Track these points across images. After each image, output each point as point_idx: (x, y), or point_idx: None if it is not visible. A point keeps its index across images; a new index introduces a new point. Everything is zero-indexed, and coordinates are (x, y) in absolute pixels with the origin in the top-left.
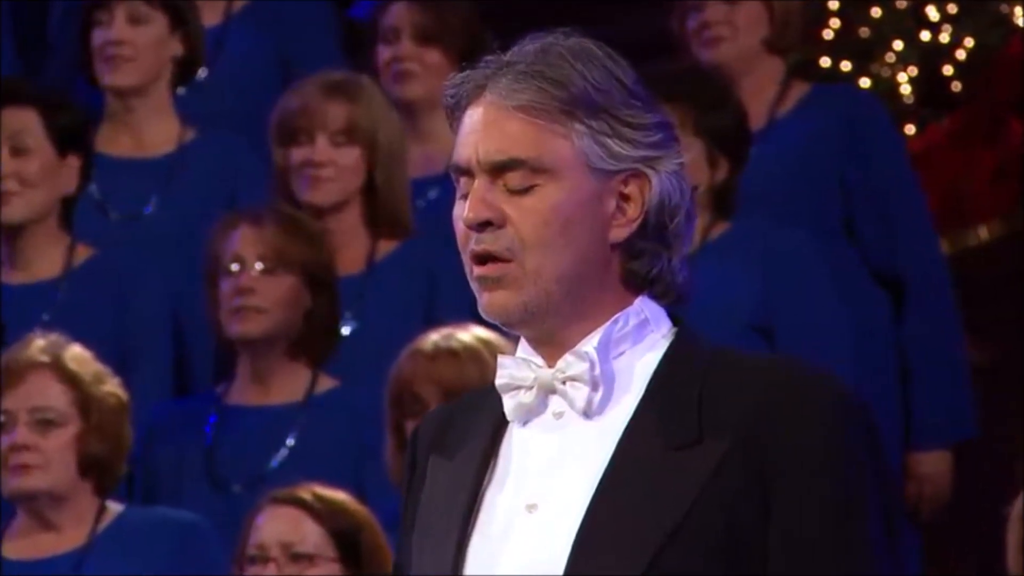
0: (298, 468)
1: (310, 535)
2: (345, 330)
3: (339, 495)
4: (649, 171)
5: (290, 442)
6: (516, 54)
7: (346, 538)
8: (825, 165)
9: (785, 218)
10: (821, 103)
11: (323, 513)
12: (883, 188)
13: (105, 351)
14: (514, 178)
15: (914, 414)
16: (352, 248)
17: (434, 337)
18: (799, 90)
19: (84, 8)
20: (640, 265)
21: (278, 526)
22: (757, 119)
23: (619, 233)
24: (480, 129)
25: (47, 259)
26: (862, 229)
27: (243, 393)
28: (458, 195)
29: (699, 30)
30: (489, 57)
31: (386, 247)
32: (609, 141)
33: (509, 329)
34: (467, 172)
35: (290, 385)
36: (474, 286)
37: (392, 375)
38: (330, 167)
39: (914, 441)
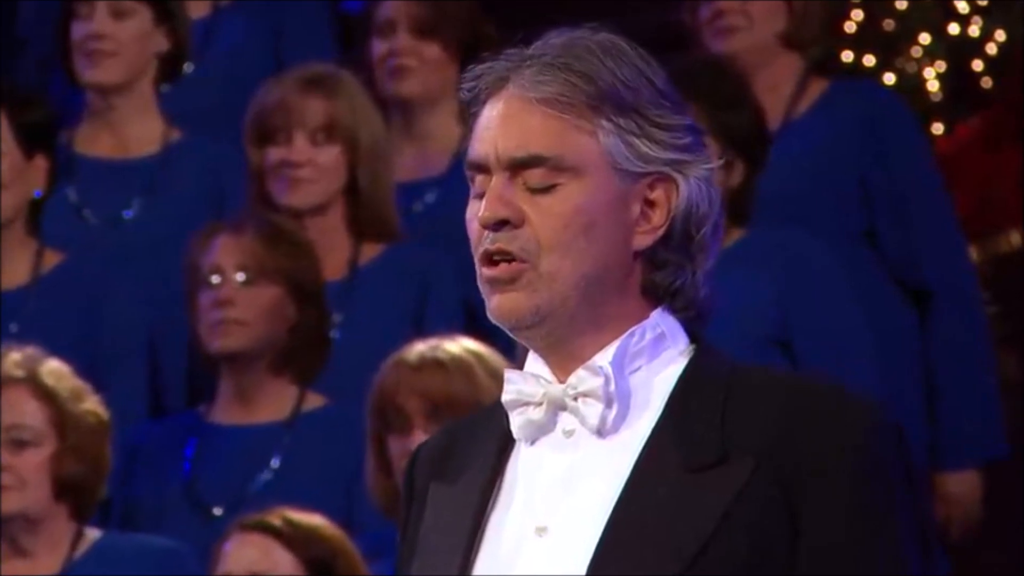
0: (283, 491)
1: (281, 563)
2: None
3: (312, 519)
4: (677, 176)
5: (275, 463)
6: (541, 47)
7: (320, 566)
8: (845, 167)
9: (802, 224)
10: (840, 101)
11: (294, 539)
12: (907, 192)
13: (75, 365)
14: (534, 176)
15: (941, 432)
16: (334, 253)
17: (420, 347)
18: (817, 87)
19: (63, 0)
20: (663, 276)
21: (247, 554)
22: (772, 118)
23: (643, 240)
24: (500, 123)
25: (15, 266)
26: (885, 236)
27: (225, 411)
28: (473, 194)
29: (712, 19)
30: (511, 50)
31: (370, 252)
32: (637, 141)
33: (516, 335)
34: (484, 169)
35: (275, 403)
36: (484, 290)
37: (374, 387)
38: (309, 167)
39: (941, 460)
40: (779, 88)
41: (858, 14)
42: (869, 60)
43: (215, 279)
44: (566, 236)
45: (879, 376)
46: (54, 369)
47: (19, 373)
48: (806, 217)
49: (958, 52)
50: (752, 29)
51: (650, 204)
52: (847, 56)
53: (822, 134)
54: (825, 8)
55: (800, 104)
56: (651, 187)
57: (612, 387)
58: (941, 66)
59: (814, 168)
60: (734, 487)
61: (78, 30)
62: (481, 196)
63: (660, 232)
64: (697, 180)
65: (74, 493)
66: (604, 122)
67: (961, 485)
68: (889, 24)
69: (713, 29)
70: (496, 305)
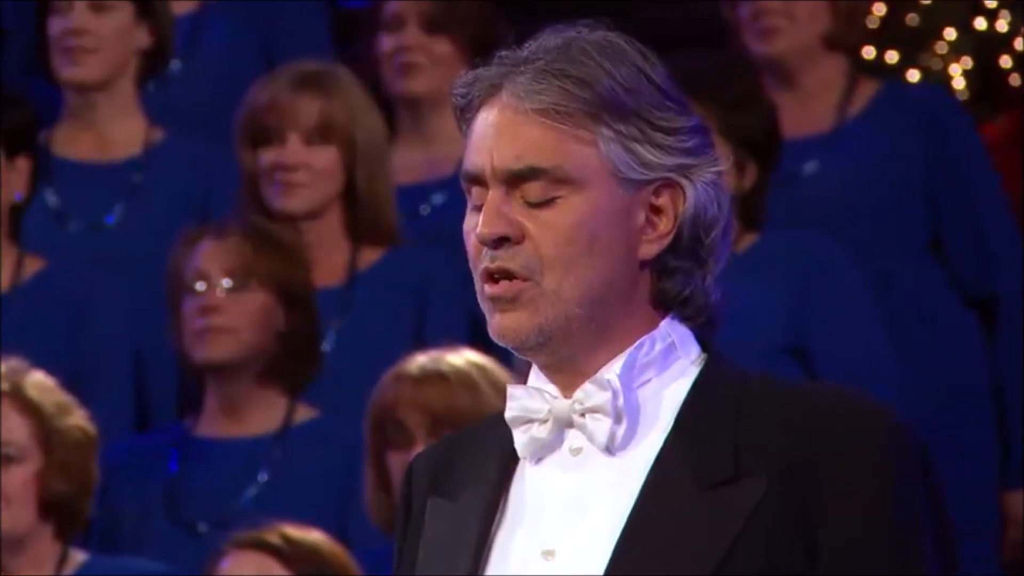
0: (272, 506)
1: None
2: (323, 349)
3: (311, 536)
4: (683, 180)
5: (263, 478)
6: (535, 50)
7: None
8: (906, 174)
9: (865, 233)
10: (894, 103)
11: (293, 557)
12: (972, 197)
13: (58, 376)
14: (533, 189)
15: (1010, 448)
16: (331, 258)
17: (421, 359)
18: (867, 89)
19: None
20: (672, 285)
21: (244, 573)
22: (823, 122)
23: (649, 249)
24: (495, 134)
25: None
26: (953, 244)
27: (211, 424)
28: (470, 206)
29: (753, 20)
30: (504, 53)
31: (370, 256)
32: (639, 147)
33: (521, 355)
34: (480, 181)
35: (264, 415)
36: (485, 308)
37: (373, 400)
38: (304, 170)
39: (1010, 478)
40: (828, 91)
41: (880, 8)
42: (892, 56)
43: (200, 286)
44: (569, 251)
45: (899, 380)
46: (38, 382)
47: (3, 386)
48: (868, 226)
49: (985, 48)
50: (795, 30)
51: (656, 211)
52: (868, 52)
53: (879, 139)
54: (868, 8)
55: (851, 107)
56: (656, 194)
57: (620, 401)
58: (967, 63)
59: (874, 175)
60: (749, 504)
61: (56, 25)
62: (478, 208)
63: (667, 240)
64: (704, 184)
65: (60, 511)
66: (604, 129)
67: None
68: (913, 19)
69: (755, 30)
70: (498, 325)
